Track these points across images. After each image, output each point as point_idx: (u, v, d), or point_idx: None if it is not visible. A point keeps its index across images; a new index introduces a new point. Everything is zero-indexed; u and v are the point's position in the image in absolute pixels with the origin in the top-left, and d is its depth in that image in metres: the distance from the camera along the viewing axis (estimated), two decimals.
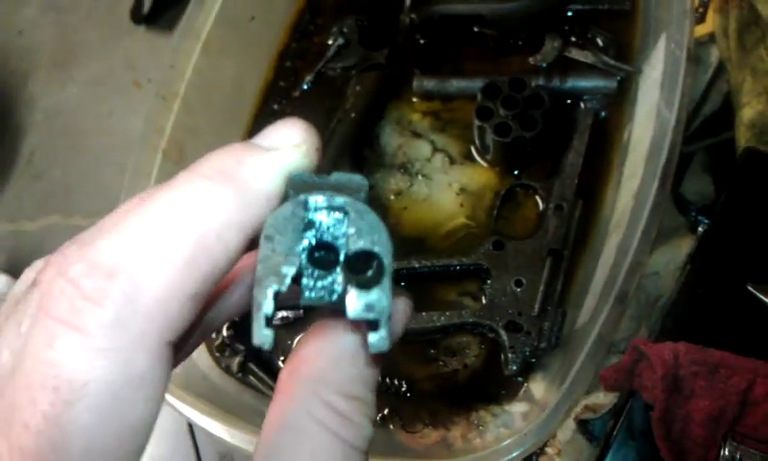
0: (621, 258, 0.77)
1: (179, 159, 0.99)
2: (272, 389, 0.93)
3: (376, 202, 0.99)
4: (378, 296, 0.32)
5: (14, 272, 1.21)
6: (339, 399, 0.34)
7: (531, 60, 0.99)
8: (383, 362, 0.37)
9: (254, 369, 0.95)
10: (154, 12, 1.38)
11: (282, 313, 0.96)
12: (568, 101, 0.97)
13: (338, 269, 0.33)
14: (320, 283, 0.34)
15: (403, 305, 0.37)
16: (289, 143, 0.36)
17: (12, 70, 1.44)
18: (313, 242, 0.33)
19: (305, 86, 1.08)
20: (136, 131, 1.00)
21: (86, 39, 1.47)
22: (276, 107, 1.08)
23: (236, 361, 0.96)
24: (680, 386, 0.62)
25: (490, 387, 0.88)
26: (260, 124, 1.06)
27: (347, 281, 0.33)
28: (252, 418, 0.87)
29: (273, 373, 0.93)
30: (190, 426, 1.01)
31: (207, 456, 1.01)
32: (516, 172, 0.96)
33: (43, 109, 1.41)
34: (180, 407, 0.85)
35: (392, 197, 0.99)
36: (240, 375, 0.95)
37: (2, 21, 1.48)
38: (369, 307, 0.32)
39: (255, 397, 0.93)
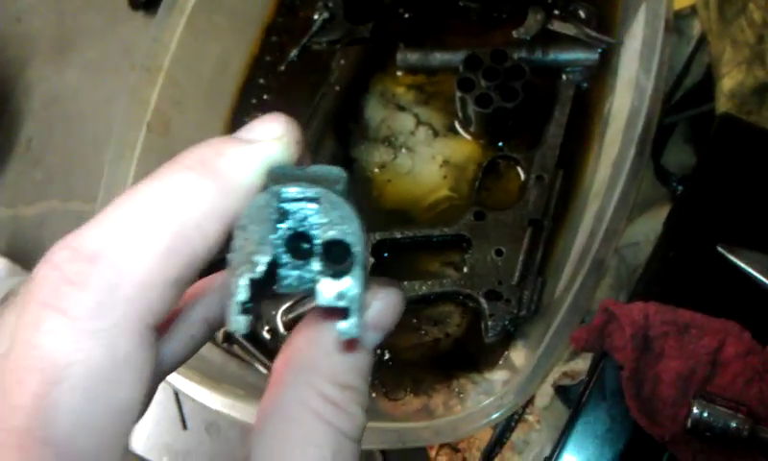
0: (597, 226, 0.78)
1: (164, 132, 0.99)
2: (256, 359, 0.94)
3: (361, 175, 1.00)
4: (349, 284, 0.33)
5: (14, 257, 1.22)
6: (332, 388, 0.35)
7: (514, 33, 0.99)
8: (376, 354, 0.37)
9: (239, 339, 0.96)
10: None
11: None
12: (551, 73, 0.97)
13: (314, 258, 0.34)
14: (296, 272, 0.35)
15: (393, 298, 0.37)
16: (270, 136, 0.37)
17: (11, 57, 1.45)
18: (289, 232, 0.34)
19: (291, 60, 1.08)
20: None
21: (85, 25, 1.47)
22: (261, 81, 1.09)
23: (221, 331, 0.97)
24: (650, 346, 0.62)
25: (471, 355, 0.90)
26: (246, 98, 1.09)
27: (321, 270, 0.34)
28: (237, 386, 0.88)
29: (257, 343, 0.94)
30: (176, 395, 1.02)
31: (194, 424, 1.02)
32: (499, 144, 0.97)
33: (41, 94, 1.42)
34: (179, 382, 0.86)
35: (376, 170, 1.00)
36: (225, 345, 0.96)
37: (0, 7, 1.49)
38: (340, 296, 0.33)
39: (240, 366, 0.94)
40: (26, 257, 1.22)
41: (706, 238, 0.65)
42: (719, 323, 0.61)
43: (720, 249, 0.63)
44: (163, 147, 1.00)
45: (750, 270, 0.61)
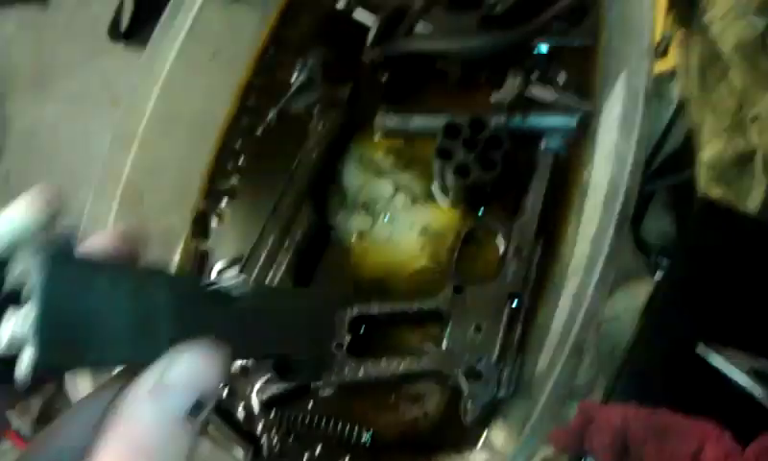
0: (577, 308, 0.75)
1: (137, 203, 0.97)
2: (231, 439, 0.91)
3: (339, 243, 0.98)
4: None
5: None
6: None
7: (493, 97, 0.98)
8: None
9: (212, 418, 0.94)
10: (131, 29, 1.37)
11: (241, 361, 0.94)
12: (530, 139, 0.95)
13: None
14: None
15: (201, 351, 0.33)
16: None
17: None
18: None
19: (268, 124, 1.07)
20: None
21: (64, 58, 1.46)
22: (238, 146, 1.07)
23: None
24: (629, 451, 0.60)
25: (450, 435, 0.87)
26: (222, 164, 1.07)
27: None
28: None
29: (231, 422, 0.92)
30: None
31: None
32: (479, 211, 0.95)
33: (20, 128, 1.40)
34: None
35: (354, 238, 0.98)
36: None
37: None
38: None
39: (214, 448, 0.91)
40: None
41: (685, 334, 0.63)
42: (699, 425, 0.58)
43: (699, 350, 0.61)
44: (137, 218, 0.98)
45: (728, 372, 0.59)
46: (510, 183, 0.93)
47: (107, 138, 0.95)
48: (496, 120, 0.94)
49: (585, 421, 0.62)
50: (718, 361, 0.60)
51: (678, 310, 0.66)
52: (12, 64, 1.45)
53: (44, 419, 2.31)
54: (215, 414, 0.93)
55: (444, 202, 0.96)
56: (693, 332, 0.64)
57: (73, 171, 1.33)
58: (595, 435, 0.61)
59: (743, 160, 0.87)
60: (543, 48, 0.99)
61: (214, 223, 1.04)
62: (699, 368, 0.62)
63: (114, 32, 1.39)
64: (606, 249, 0.75)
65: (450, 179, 0.91)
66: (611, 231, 0.76)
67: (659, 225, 0.90)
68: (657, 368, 0.65)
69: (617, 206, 0.76)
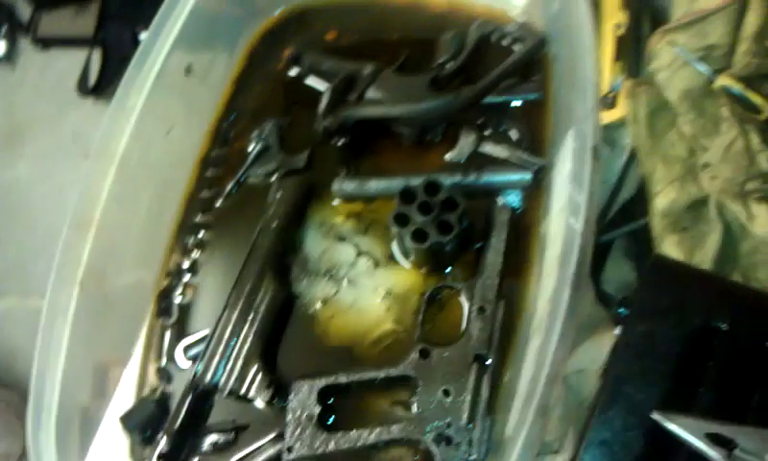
0: (539, 370, 0.75)
1: (98, 288, 0.97)
2: None
3: (303, 312, 0.97)
4: None
5: None
6: None
7: (447, 156, 0.99)
8: None
9: None
10: (99, 83, 1.38)
11: (212, 438, 0.94)
12: (487, 196, 0.96)
13: None
14: None
15: None
16: None
17: None
18: None
19: (228, 195, 1.07)
20: None
21: (34, 115, 1.47)
22: (199, 218, 1.07)
23: None
24: None
25: None
26: (183, 238, 1.06)
27: None
28: None
29: None
30: None
31: None
32: (442, 271, 0.95)
33: None
34: None
35: (318, 305, 0.98)
36: None
37: None
38: None
39: None
40: None
41: (641, 399, 0.64)
42: None
43: (655, 416, 0.61)
44: (99, 301, 0.98)
45: (685, 438, 0.59)
46: (470, 241, 0.93)
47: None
48: (452, 180, 0.95)
49: None
50: (674, 427, 0.60)
51: (633, 375, 0.66)
52: None
53: None
54: None
55: (406, 264, 0.97)
56: (649, 398, 0.64)
57: (50, 228, 1.32)
58: None
59: (697, 206, 0.88)
60: (494, 105, 1.00)
61: (178, 299, 1.03)
62: (657, 435, 0.62)
63: (82, 87, 1.40)
64: (564, 307, 0.76)
65: (409, 243, 0.91)
66: (567, 289, 0.76)
67: (619, 273, 0.90)
68: (617, 435, 0.65)
69: (573, 264, 0.77)
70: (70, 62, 1.50)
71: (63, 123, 1.43)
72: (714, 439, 0.58)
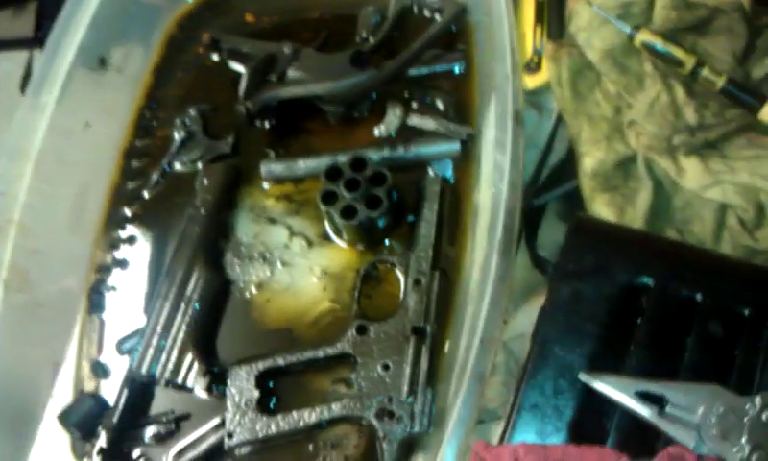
0: (472, 338, 0.76)
1: (23, 287, 0.94)
2: None
3: (239, 297, 0.96)
4: None
5: None
6: None
7: (376, 131, 0.98)
8: None
9: None
10: None
11: (154, 428, 0.92)
12: (417, 168, 0.95)
13: None
14: None
15: None
16: None
17: None
18: None
19: (154, 185, 1.04)
20: None
21: None
22: (126, 210, 1.04)
23: None
24: None
25: None
26: (111, 232, 1.03)
27: None
28: None
29: None
30: None
31: None
32: (377, 245, 0.95)
33: None
34: None
35: (253, 289, 0.96)
36: None
37: None
38: None
39: None
40: None
41: (570, 361, 0.64)
42: (593, 452, 0.59)
43: (581, 377, 0.62)
44: (25, 302, 0.95)
45: (614, 397, 0.60)
46: (403, 214, 0.93)
47: None
48: (380, 154, 0.94)
49: None
50: (602, 387, 0.60)
51: (561, 337, 0.66)
52: None
53: None
54: None
55: (340, 242, 0.96)
56: (579, 359, 0.65)
57: None
58: None
59: (625, 165, 0.89)
60: (419, 77, 0.99)
61: (109, 293, 1.00)
62: (588, 397, 0.62)
63: (27, 87, 1.37)
64: (493, 273, 0.76)
65: (338, 221, 0.90)
66: (495, 255, 0.77)
67: (555, 236, 0.91)
68: (548, 399, 0.65)
69: (499, 229, 0.77)
70: (12, 65, 1.47)
71: (9, 123, 1.40)
72: (644, 397, 0.59)
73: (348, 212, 0.89)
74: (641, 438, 0.61)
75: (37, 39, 1.44)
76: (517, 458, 0.58)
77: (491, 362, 0.76)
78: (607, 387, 0.60)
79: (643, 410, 0.59)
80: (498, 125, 0.83)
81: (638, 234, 0.75)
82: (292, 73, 0.98)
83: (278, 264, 0.97)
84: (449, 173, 0.95)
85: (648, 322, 0.66)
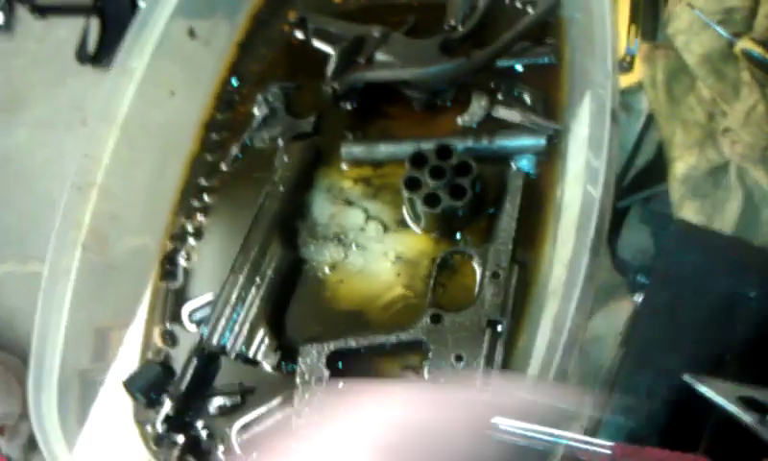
0: (557, 335, 0.74)
1: (101, 250, 0.95)
2: None
3: (312, 276, 0.96)
4: None
5: None
6: None
7: (459, 120, 0.97)
8: None
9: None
10: (98, 51, 1.37)
11: (219, 401, 0.92)
12: (499, 161, 0.94)
13: None
14: None
15: None
16: None
17: None
18: None
19: (233, 159, 1.05)
20: None
21: (33, 82, 1.46)
22: (203, 182, 1.05)
23: (174, 455, 0.92)
24: None
25: None
26: (187, 201, 1.04)
27: None
28: None
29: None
30: None
31: None
32: (453, 236, 0.94)
33: None
34: None
35: (327, 270, 0.96)
36: None
37: None
38: None
39: None
40: None
41: (668, 364, 0.62)
42: (688, 459, 0.57)
43: (686, 378, 0.60)
44: (101, 264, 0.96)
45: (716, 401, 0.58)
46: (483, 206, 0.92)
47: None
48: (463, 144, 0.93)
49: (571, 457, 0.60)
50: (706, 391, 0.59)
51: (658, 341, 0.65)
52: None
53: (34, 443, 2.26)
54: (196, 459, 0.91)
55: (416, 229, 0.95)
56: (676, 362, 0.63)
57: (48, 196, 1.31)
58: None
59: (717, 172, 0.87)
60: (507, 69, 0.98)
61: (182, 262, 1.01)
62: (685, 399, 0.61)
63: (81, 55, 1.39)
64: (582, 273, 0.75)
65: (420, 208, 0.89)
66: (586, 255, 0.75)
67: (636, 241, 0.89)
68: (642, 401, 0.63)
69: (591, 230, 0.76)
70: (68, 31, 1.49)
71: (62, 91, 1.42)
72: (747, 403, 0.57)
73: (431, 200, 0.88)
74: (735, 447, 0.60)
75: (96, 8, 1.47)
76: (614, 459, 0.57)
77: (572, 364, 0.74)
78: (710, 391, 0.58)
79: (746, 416, 0.57)
80: (593, 123, 0.81)
81: (740, 242, 0.74)
82: (380, 57, 0.97)
83: (353, 246, 0.97)
84: (532, 168, 0.93)
85: (748, 330, 0.64)
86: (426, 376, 0.86)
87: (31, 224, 1.30)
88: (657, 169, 0.91)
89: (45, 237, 1.23)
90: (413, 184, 0.89)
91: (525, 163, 0.93)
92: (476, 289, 0.89)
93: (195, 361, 0.92)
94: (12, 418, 2.26)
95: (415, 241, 0.95)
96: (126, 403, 0.95)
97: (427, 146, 0.91)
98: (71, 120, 1.38)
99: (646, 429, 0.62)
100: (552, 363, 0.73)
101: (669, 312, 0.65)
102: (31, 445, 2.25)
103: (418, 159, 0.90)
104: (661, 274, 0.68)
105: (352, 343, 0.89)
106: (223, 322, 0.92)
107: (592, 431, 0.65)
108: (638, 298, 0.78)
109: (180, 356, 0.96)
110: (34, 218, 1.30)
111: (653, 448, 0.58)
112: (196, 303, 0.98)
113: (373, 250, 0.96)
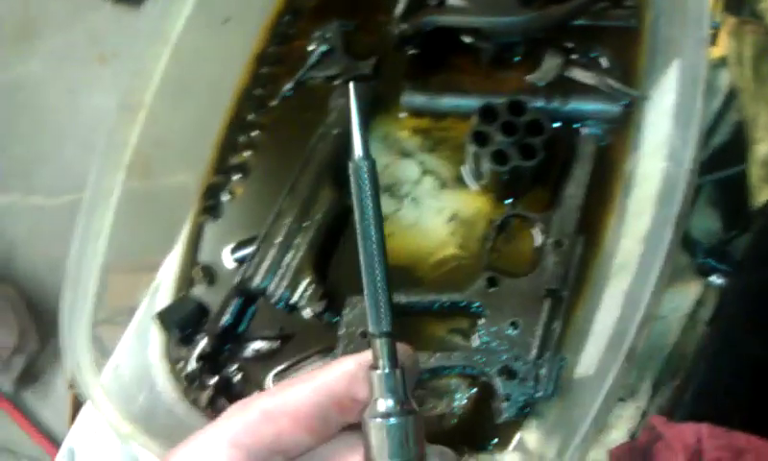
0: (630, 311, 0.71)
1: (144, 175, 0.91)
2: None
3: None
4: None
5: None
6: None
7: (529, 77, 0.93)
8: None
9: (226, 404, 0.88)
10: None
11: (256, 345, 0.89)
12: (568, 125, 0.90)
13: None
14: None
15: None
16: None
17: None
18: None
19: (284, 95, 1.00)
20: (99, 108, 0.93)
21: (50, 13, 1.41)
22: (251, 116, 1.00)
23: (205, 395, 0.88)
24: None
25: (479, 434, 0.82)
26: (233, 135, 0.99)
27: None
28: None
29: None
30: None
31: None
32: (510, 200, 0.90)
33: (4, 83, 1.34)
34: (140, 448, 0.79)
35: None
36: (209, 410, 0.88)
37: None
38: None
39: None
40: None
41: (755, 350, 0.59)
42: None
43: None
44: (143, 190, 0.92)
45: None
46: (548, 171, 0.88)
47: (93, 96, 0.89)
48: (533, 104, 0.89)
49: (652, 437, 0.57)
50: None
51: (745, 324, 0.62)
52: None
53: (26, 377, 2.23)
54: (229, 401, 0.88)
55: (475, 187, 0.91)
56: (763, 347, 0.60)
57: (59, 130, 1.26)
58: (663, 453, 0.57)
59: None
60: (584, 28, 0.93)
61: (225, 198, 0.97)
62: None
63: None
64: (664, 248, 0.71)
65: (485, 165, 0.85)
66: (669, 230, 0.71)
67: (705, 222, 0.85)
68: (724, 386, 0.60)
69: (675, 204, 0.72)
70: None
71: (79, 24, 1.37)
72: None
73: (499, 157, 0.84)
74: None
75: None
76: (700, 438, 0.54)
77: (641, 343, 0.71)
78: None
79: None
80: (682, 93, 0.77)
81: None
82: (453, 0, 0.92)
83: (407, 200, 0.93)
84: (603, 135, 0.89)
85: None
86: (476, 341, 0.83)
87: (37, 157, 1.26)
88: (734, 150, 0.87)
89: (52, 171, 1.19)
90: (481, 139, 0.85)
91: (597, 130, 0.89)
92: (534, 257, 0.86)
93: (235, 300, 0.89)
94: (7, 350, 2.23)
95: (472, 200, 0.91)
96: (157, 338, 0.92)
97: (499, 101, 0.86)
98: (87, 55, 1.33)
99: (728, 410, 0.59)
100: (624, 339, 0.70)
101: (759, 295, 0.62)
102: (22, 379, 2.23)
103: (488, 113, 0.85)
104: (752, 255, 0.64)
105: (402, 298, 0.85)
106: (266, 264, 0.88)
107: (670, 413, 0.62)
108: (716, 280, 0.75)
109: (216, 295, 0.92)
110: (41, 151, 1.26)
111: (740, 432, 0.55)
112: (238, 240, 0.94)
113: (428, 205, 0.92)
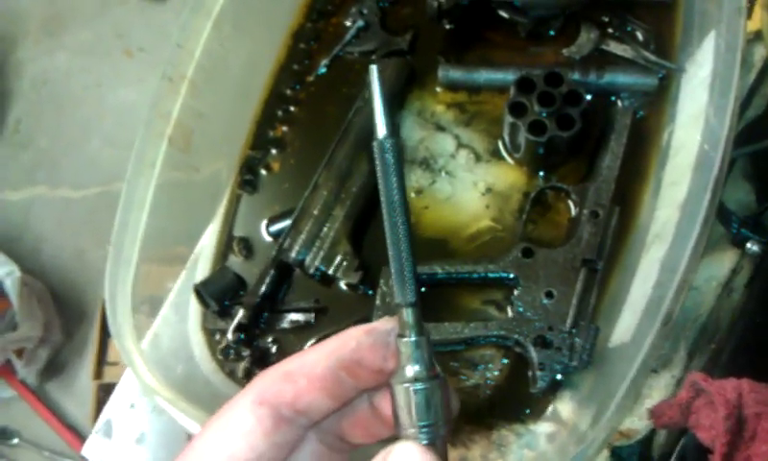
0: (667, 277, 0.71)
1: (186, 147, 0.92)
2: None
3: None
4: None
5: None
6: None
7: (565, 51, 0.93)
8: None
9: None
10: None
11: (292, 317, 0.90)
12: (604, 97, 0.90)
13: None
14: None
15: None
16: None
17: (1, 35, 1.38)
18: None
19: (321, 70, 1.01)
20: (125, 101, 0.94)
21: (77, 7, 1.42)
22: (288, 91, 1.01)
23: (241, 366, 0.90)
24: (742, 427, 0.56)
25: (513, 404, 0.83)
26: (271, 109, 1.01)
27: None
28: None
29: None
30: (190, 438, 0.95)
31: None
32: (545, 172, 0.90)
33: (31, 75, 1.36)
34: (178, 416, 0.80)
35: (412, 194, 0.93)
36: (245, 381, 0.89)
37: None
38: None
39: None
40: (10, 243, 1.16)
41: None
42: None
43: None
44: (184, 162, 0.93)
45: None
46: (583, 143, 0.88)
47: (119, 90, 0.90)
48: (569, 77, 0.89)
49: (693, 394, 0.58)
50: None
51: None
52: (23, 10, 1.40)
53: (50, 370, 2.27)
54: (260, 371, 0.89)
55: (511, 160, 0.91)
56: None
57: (85, 123, 1.28)
58: (703, 409, 0.57)
59: None
60: (619, 2, 0.93)
61: (262, 172, 0.98)
62: None
63: None
64: (701, 214, 0.71)
65: (522, 136, 0.86)
66: (706, 196, 0.71)
67: (738, 194, 0.85)
68: (761, 343, 0.60)
69: (713, 174, 0.72)
70: None
71: (106, 18, 1.38)
72: None
73: (536, 128, 0.84)
74: None
75: None
76: (741, 393, 0.54)
77: (677, 309, 0.71)
78: None
79: None
80: (719, 62, 0.77)
81: None
82: None
83: (441, 173, 0.93)
84: (639, 108, 0.89)
85: None
86: (510, 313, 0.83)
87: (64, 149, 1.28)
88: (766, 124, 0.86)
89: (78, 164, 1.20)
90: (519, 110, 0.85)
91: (634, 102, 0.89)
92: (569, 228, 0.86)
93: (272, 272, 0.90)
94: (33, 341, 2.26)
95: (507, 174, 0.92)
96: (195, 310, 0.93)
97: (536, 72, 0.87)
98: (113, 49, 1.34)
99: (766, 370, 0.59)
100: (660, 307, 0.70)
101: None
102: (46, 372, 2.26)
103: (525, 84, 0.86)
104: None
105: (438, 269, 0.86)
106: (303, 236, 0.90)
107: (710, 371, 0.62)
108: (752, 247, 0.75)
109: (254, 268, 0.93)
110: (68, 144, 1.28)
111: None
112: (275, 214, 0.95)
113: (463, 179, 0.93)
